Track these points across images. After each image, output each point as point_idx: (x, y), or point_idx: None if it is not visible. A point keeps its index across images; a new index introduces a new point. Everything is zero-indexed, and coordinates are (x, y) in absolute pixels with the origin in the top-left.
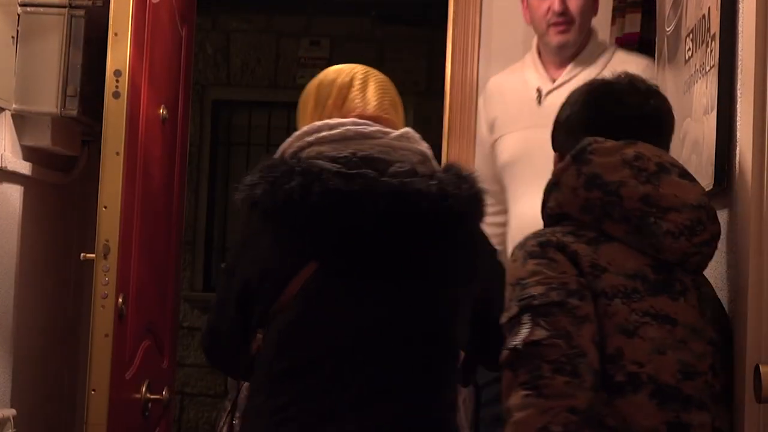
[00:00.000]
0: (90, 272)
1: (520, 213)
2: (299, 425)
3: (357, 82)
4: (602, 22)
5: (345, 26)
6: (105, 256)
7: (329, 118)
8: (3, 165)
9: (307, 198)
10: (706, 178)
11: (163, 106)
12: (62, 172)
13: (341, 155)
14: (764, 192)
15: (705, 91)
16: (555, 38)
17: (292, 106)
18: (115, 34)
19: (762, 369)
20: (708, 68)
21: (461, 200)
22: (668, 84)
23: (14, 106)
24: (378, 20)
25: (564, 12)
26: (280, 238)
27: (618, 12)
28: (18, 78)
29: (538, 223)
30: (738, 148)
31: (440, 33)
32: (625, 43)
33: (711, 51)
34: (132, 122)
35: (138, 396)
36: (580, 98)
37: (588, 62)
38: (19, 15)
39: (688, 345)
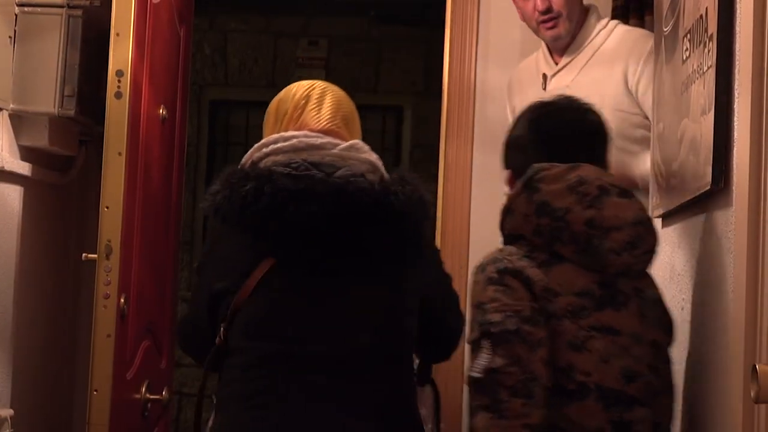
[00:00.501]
0: (88, 272)
1: None
2: (269, 410)
3: (313, 99)
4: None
5: (343, 26)
6: (107, 257)
7: (286, 131)
8: (0, 165)
9: (260, 199)
10: (703, 178)
11: (162, 106)
12: (60, 173)
13: (293, 161)
14: (762, 192)
15: (702, 92)
16: (547, 33)
17: None
18: (117, 35)
19: (759, 369)
20: (706, 68)
21: (404, 199)
22: (666, 84)
23: (11, 106)
24: (376, 20)
25: (548, 9)
26: (239, 238)
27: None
28: (15, 78)
29: None
30: (735, 148)
31: (438, 33)
32: None
33: (709, 51)
34: (133, 122)
35: (138, 396)
36: (523, 119)
37: (583, 44)
38: (16, 15)
39: (630, 351)
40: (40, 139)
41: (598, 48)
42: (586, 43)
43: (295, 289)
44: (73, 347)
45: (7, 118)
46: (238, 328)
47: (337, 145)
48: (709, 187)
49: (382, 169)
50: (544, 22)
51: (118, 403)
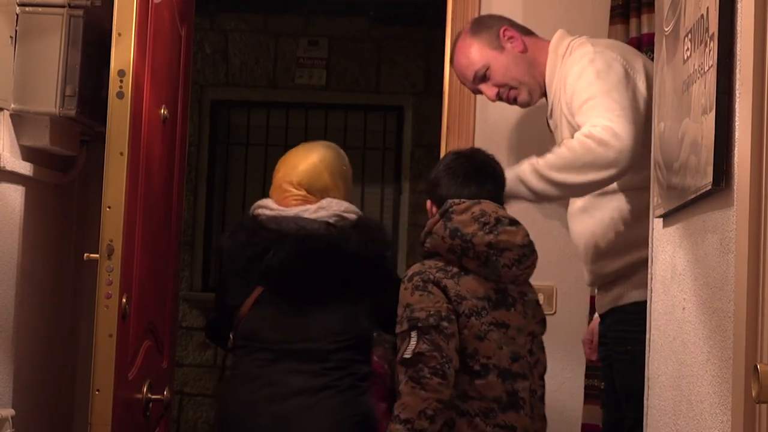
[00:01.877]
0: (89, 272)
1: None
2: (258, 382)
3: (286, 181)
4: (599, 23)
5: (343, 26)
6: (109, 257)
7: (277, 185)
8: (2, 165)
9: (248, 246)
10: (704, 178)
11: (164, 105)
12: (61, 172)
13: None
14: (763, 191)
15: (703, 91)
16: (520, 106)
17: (290, 106)
18: (119, 34)
19: (761, 368)
20: (706, 68)
21: (354, 242)
22: (666, 84)
23: (13, 106)
24: (376, 20)
25: (499, 95)
26: (238, 273)
27: (618, 16)
28: (16, 78)
29: None
30: (736, 148)
31: (438, 33)
32: (646, 44)
33: (709, 51)
34: (135, 122)
35: (139, 396)
36: (442, 164)
37: (551, 84)
38: (17, 15)
39: (516, 340)
40: (42, 139)
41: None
42: (554, 84)
43: (276, 307)
44: (74, 347)
45: (9, 118)
46: (240, 332)
47: (307, 210)
48: (710, 187)
49: (352, 214)
50: (508, 102)
51: (120, 402)
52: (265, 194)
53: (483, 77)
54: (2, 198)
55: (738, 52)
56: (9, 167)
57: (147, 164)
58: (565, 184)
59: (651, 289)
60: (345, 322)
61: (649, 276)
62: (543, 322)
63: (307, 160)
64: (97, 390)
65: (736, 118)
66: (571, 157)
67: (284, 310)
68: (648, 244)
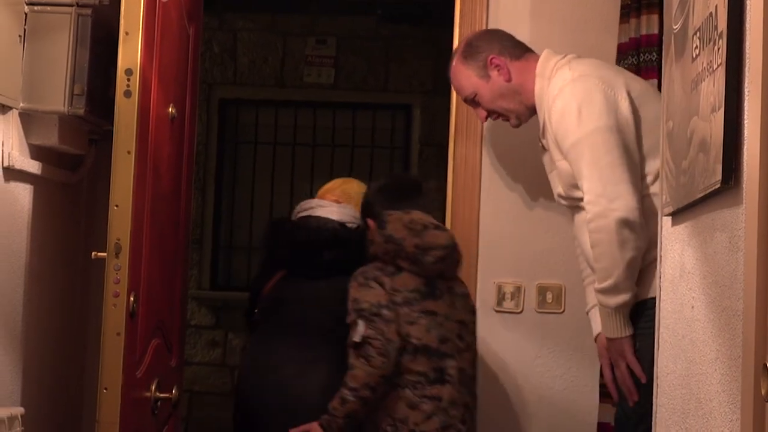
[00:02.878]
0: (98, 271)
1: None
2: (268, 346)
3: (335, 186)
4: (609, 22)
5: (351, 25)
6: (117, 255)
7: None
8: (10, 164)
9: (278, 239)
10: (713, 176)
11: (171, 104)
12: (69, 171)
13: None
14: None
15: (712, 90)
16: (512, 126)
17: (298, 105)
18: (126, 33)
19: None
20: (715, 66)
21: (350, 232)
22: (675, 82)
23: (21, 104)
24: (384, 19)
25: (490, 114)
26: (266, 261)
27: (633, 11)
28: (25, 77)
29: None
30: (745, 147)
31: (447, 31)
32: (643, 44)
33: (718, 49)
34: (142, 121)
35: (148, 394)
36: (373, 188)
37: (541, 107)
38: (26, 14)
39: (443, 325)
40: (50, 138)
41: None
42: (543, 106)
43: (291, 288)
44: (83, 345)
45: (17, 116)
46: (260, 308)
47: (332, 205)
48: (719, 185)
49: (353, 218)
50: (502, 120)
51: (128, 401)
52: (274, 192)
53: (473, 101)
54: (11, 197)
55: (747, 50)
56: (18, 166)
57: (155, 163)
58: (622, 276)
59: (660, 288)
60: (342, 299)
61: (657, 274)
62: (472, 313)
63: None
64: (105, 388)
65: (745, 116)
66: (605, 262)
67: (297, 291)
68: (652, 245)
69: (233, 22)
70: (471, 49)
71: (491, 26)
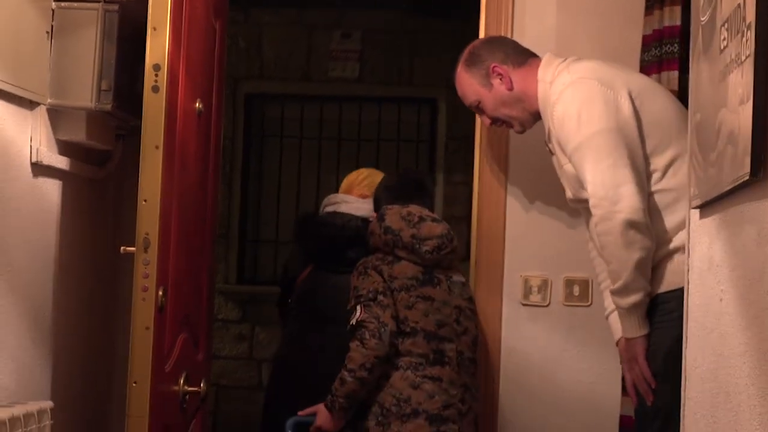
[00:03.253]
0: (125, 265)
1: None
2: (301, 333)
3: (361, 179)
4: (634, 14)
5: (376, 19)
6: (145, 250)
7: (346, 191)
8: (39, 159)
9: (306, 234)
10: (742, 169)
11: (198, 99)
12: (97, 167)
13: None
14: None
15: (740, 81)
16: (516, 132)
17: (324, 99)
18: (154, 29)
19: None
20: (743, 58)
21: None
22: (703, 74)
23: (49, 100)
24: (409, 12)
25: (494, 121)
26: (298, 252)
27: (657, 3)
28: (53, 73)
29: None
30: None
31: (472, 25)
32: (666, 36)
33: (746, 40)
34: (170, 116)
35: (176, 388)
36: (381, 185)
37: (545, 109)
38: (53, 10)
39: (441, 310)
40: (78, 134)
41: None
42: (546, 111)
43: (320, 280)
44: (111, 339)
45: (45, 112)
46: (295, 298)
47: (357, 201)
48: (747, 178)
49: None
50: (506, 127)
51: (157, 395)
52: (300, 187)
53: (477, 108)
54: (39, 192)
55: None
56: (46, 162)
57: (182, 158)
58: (631, 277)
59: (688, 281)
60: None
61: (685, 267)
62: (470, 300)
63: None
64: (135, 382)
65: None
66: (614, 264)
67: (325, 283)
68: (662, 242)
69: (259, 17)
70: (473, 57)
71: (517, 18)
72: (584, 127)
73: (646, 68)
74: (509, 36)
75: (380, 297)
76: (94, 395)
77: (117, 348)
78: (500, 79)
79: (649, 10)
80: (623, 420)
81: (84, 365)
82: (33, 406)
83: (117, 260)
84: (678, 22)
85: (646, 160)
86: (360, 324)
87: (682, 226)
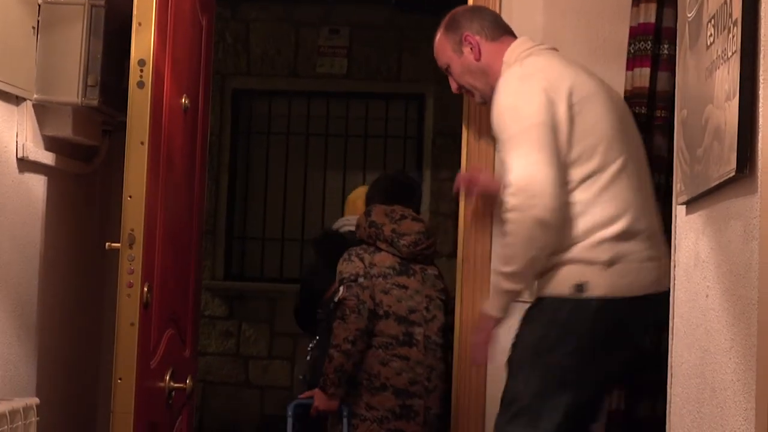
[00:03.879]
0: (112, 261)
1: None
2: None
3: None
4: (622, 11)
5: (364, 15)
6: (130, 246)
7: (352, 210)
8: (24, 155)
9: (332, 251)
10: (728, 165)
11: (185, 95)
12: (83, 162)
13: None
14: None
15: (727, 77)
16: (477, 102)
17: (311, 95)
18: (139, 24)
19: None
20: (730, 54)
21: None
22: (690, 70)
23: (35, 96)
24: (397, 8)
25: (460, 87)
26: (321, 265)
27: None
28: (39, 68)
29: None
30: (760, 135)
31: None
32: (641, 33)
33: (733, 36)
34: (155, 112)
35: (162, 385)
36: (374, 185)
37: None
38: (39, 5)
39: (413, 298)
40: (64, 129)
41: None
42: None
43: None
44: (97, 336)
45: (31, 108)
46: (325, 310)
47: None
48: (733, 174)
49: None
50: (468, 95)
51: (142, 391)
52: (287, 183)
53: (447, 71)
54: (25, 188)
55: (762, 38)
56: (32, 157)
57: (168, 154)
58: (520, 269)
59: (674, 277)
60: None
61: (672, 263)
62: (442, 291)
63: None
64: (120, 378)
65: (760, 104)
66: (510, 250)
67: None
68: (560, 250)
69: (246, 13)
70: (452, 22)
71: (505, 15)
72: (520, 120)
73: (632, 60)
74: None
75: (360, 279)
76: (80, 391)
77: (103, 344)
78: (470, 49)
79: (636, 2)
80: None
81: (70, 361)
82: (19, 403)
83: (103, 256)
84: (653, 20)
85: (567, 168)
86: (341, 302)
87: (580, 239)
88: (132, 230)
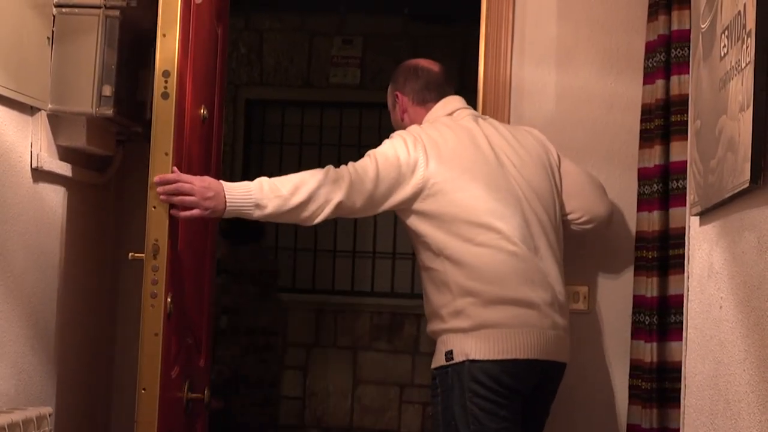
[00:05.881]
0: (126, 271)
1: None
2: None
3: None
4: (636, 21)
5: (377, 25)
6: (154, 256)
7: None
8: (39, 165)
9: None
10: (742, 176)
11: (203, 105)
12: (97, 172)
13: None
14: None
15: (740, 88)
16: None
17: (324, 105)
18: (164, 35)
19: None
20: (744, 65)
21: None
22: (703, 81)
23: (50, 106)
24: (410, 18)
25: None
26: None
27: (661, 8)
28: (53, 78)
29: None
30: None
31: (473, 30)
32: (677, 39)
33: (746, 48)
34: (179, 123)
35: (181, 395)
36: None
37: None
38: (54, 16)
39: None
40: (78, 139)
41: None
42: None
43: None
44: (111, 345)
45: (46, 118)
46: None
47: None
48: (747, 185)
49: None
50: None
51: (164, 401)
52: None
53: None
54: (40, 198)
55: None
56: (46, 167)
57: (188, 164)
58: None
59: (687, 288)
60: None
61: (685, 274)
62: None
63: None
64: (144, 389)
65: None
66: (298, 195)
67: None
68: (439, 316)
69: (259, 23)
70: (395, 75)
71: (518, 25)
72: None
73: (650, 74)
74: (510, 43)
75: None
76: (93, 401)
77: (116, 354)
78: (398, 105)
79: (652, 16)
80: (630, 428)
81: (84, 371)
82: (32, 412)
83: (118, 265)
84: (687, 26)
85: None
86: None
87: (447, 308)
88: (156, 240)
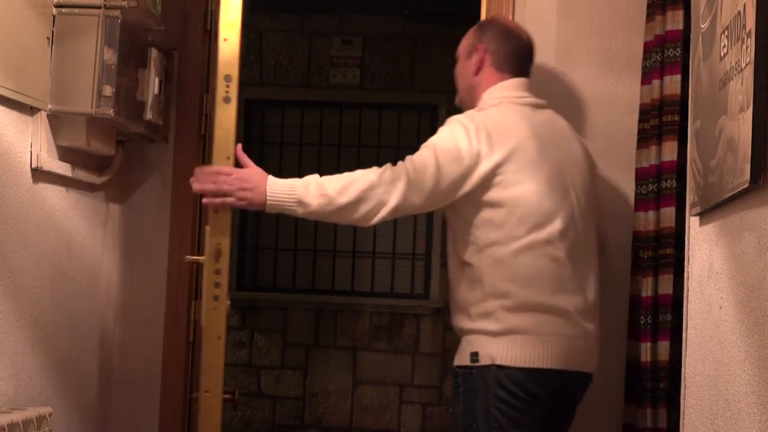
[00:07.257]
0: (125, 272)
1: None
2: None
3: None
4: (635, 22)
5: (377, 25)
6: (217, 259)
7: None
8: (39, 165)
9: None
10: (742, 176)
11: None
12: (97, 172)
13: None
14: None
15: (741, 89)
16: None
17: (324, 105)
18: (225, 39)
19: None
20: (743, 65)
21: None
22: (703, 81)
23: (49, 106)
24: (410, 19)
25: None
26: None
27: (657, 8)
28: (53, 78)
29: None
30: None
31: None
32: (669, 40)
33: (746, 48)
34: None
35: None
36: None
37: None
38: (54, 16)
39: None
40: (78, 140)
41: None
42: None
43: None
44: (110, 346)
45: (45, 118)
46: None
47: None
48: (747, 185)
49: None
50: None
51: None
52: None
53: (456, 58)
54: (40, 198)
55: None
56: (46, 167)
57: None
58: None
59: (687, 288)
60: None
61: (685, 274)
62: None
63: None
64: (207, 391)
65: None
66: (347, 195)
67: None
68: (468, 314)
69: (259, 23)
70: (482, 27)
71: None
72: (436, 138)
73: (648, 75)
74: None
75: None
76: (93, 401)
77: (116, 354)
78: (475, 58)
79: (650, 16)
80: (626, 428)
81: (84, 371)
82: (32, 412)
83: (113, 266)
84: (680, 27)
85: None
86: None
87: (476, 307)
88: (219, 244)
